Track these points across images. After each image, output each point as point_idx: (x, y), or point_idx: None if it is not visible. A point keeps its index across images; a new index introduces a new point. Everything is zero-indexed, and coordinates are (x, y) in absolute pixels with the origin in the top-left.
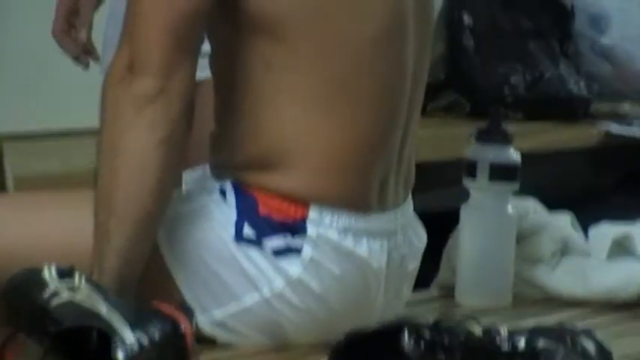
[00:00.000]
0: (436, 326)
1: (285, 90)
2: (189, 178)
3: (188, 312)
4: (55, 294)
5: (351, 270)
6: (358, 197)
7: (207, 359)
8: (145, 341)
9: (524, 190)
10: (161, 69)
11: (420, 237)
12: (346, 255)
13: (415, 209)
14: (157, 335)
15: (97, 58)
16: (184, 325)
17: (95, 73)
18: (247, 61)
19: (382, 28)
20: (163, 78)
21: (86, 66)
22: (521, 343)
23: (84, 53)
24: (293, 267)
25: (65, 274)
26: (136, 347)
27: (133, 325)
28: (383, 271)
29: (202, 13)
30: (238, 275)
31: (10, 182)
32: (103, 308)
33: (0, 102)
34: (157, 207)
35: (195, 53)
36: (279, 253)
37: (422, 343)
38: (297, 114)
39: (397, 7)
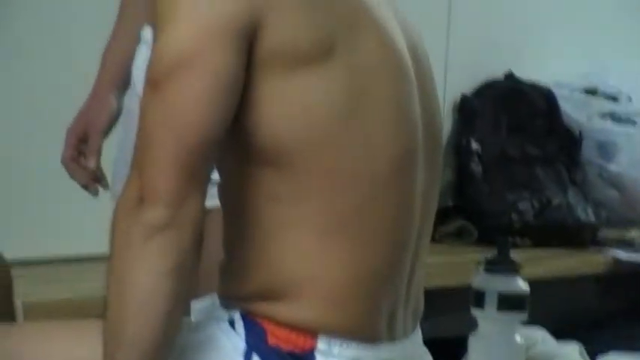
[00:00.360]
0: None
1: (294, 222)
2: (197, 307)
3: None
4: None
5: None
6: (367, 327)
7: None
8: None
9: (533, 317)
10: (171, 199)
11: None
12: None
13: (423, 335)
14: None
15: (106, 186)
16: None
17: (105, 200)
18: (255, 193)
19: (392, 161)
20: (173, 208)
21: (95, 193)
22: None
23: (93, 181)
24: None
25: None
26: None
27: None
28: None
29: (211, 145)
30: None
31: (19, 309)
32: None
33: (10, 228)
34: (167, 338)
35: (204, 183)
36: None
37: None
38: (306, 246)
39: (408, 140)
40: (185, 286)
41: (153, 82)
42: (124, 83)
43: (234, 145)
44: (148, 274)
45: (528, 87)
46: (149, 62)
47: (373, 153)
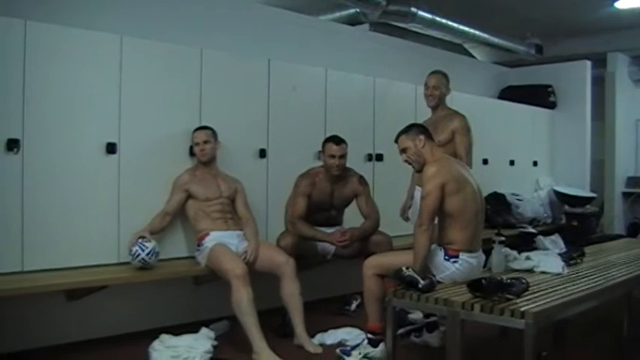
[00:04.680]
0: (489, 277)
1: (454, 224)
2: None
3: None
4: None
5: None
6: (471, 248)
7: None
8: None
9: None
10: (426, 222)
11: None
12: None
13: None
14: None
15: (407, 219)
16: None
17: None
18: (446, 216)
19: (475, 210)
20: (426, 225)
21: (407, 220)
22: (507, 280)
23: (406, 219)
24: None
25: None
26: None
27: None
28: None
29: (435, 212)
30: None
31: None
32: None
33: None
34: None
35: (432, 221)
36: None
37: (485, 281)
38: (456, 230)
39: (477, 205)
40: (429, 242)
41: (424, 196)
42: (412, 196)
43: (443, 210)
44: (423, 241)
45: None
46: (421, 193)
47: (471, 210)
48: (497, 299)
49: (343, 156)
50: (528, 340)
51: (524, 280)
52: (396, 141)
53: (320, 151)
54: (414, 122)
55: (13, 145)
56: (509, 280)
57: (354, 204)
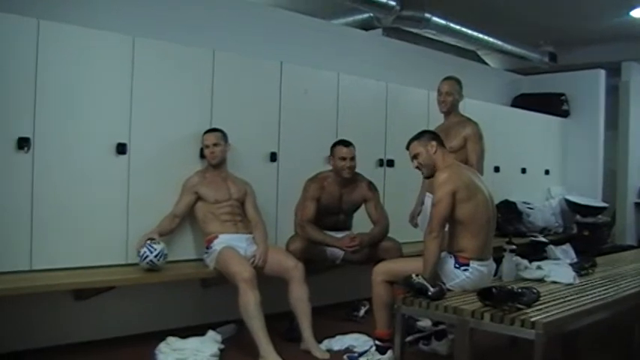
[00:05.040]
0: (499, 286)
1: (465, 232)
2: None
3: None
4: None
5: None
6: (481, 256)
7: None
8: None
9: None
10: (436, 229)
11: None
12: None
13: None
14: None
15: (416, 226)
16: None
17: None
18: (457, 224)
19: (487, 217)
20: (436, 232)
21: (416, 227)
22: (518, 289)
23: (415, 225)
24: None
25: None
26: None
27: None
28: None
29: (445, 219)
30: None
31: None
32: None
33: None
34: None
35: (442, 229)
36: None
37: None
38: (467, 238)
39: (489, 212)
40: (439, 249)
41: (435, 203)
42: (422, 202)
43: (454, 217)
44: (434, 248)
45: None
46: (432, 200)
47: (482, 218)
48: (507, 308)
49: (353, 158)
50: (538, 350)
51: (535, 290)
52: (408, 147)
53: (329, 156)
54: (426, 129)
55: (23, 143)
56: (519, 290)
57: (363, 209)
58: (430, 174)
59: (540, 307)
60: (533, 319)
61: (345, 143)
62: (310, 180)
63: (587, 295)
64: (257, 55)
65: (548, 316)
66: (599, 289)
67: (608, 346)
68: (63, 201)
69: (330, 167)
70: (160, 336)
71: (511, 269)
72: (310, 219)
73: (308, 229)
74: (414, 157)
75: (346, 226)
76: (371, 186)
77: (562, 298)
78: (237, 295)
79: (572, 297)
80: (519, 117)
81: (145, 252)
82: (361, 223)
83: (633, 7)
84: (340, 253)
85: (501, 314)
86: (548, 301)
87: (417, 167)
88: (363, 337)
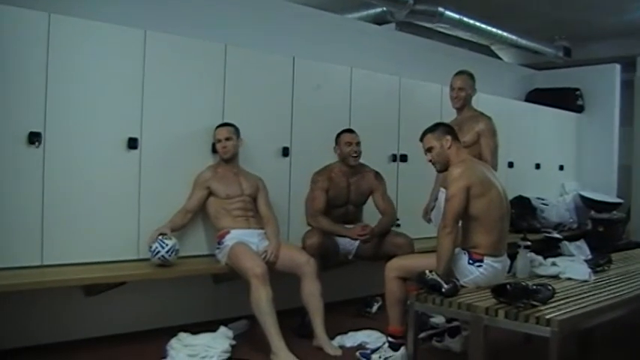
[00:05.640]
0: (514, 283)
1: (479, 228)
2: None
3: None
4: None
5: None
6: (495, 252)
7: None
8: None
9: None
10: (450, 225)
11: None
12: None
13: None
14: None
15: (430, 221)
16: None
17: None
18: (470, 220)
19: (501, 213)
20: (450, 227)
21: (429, 222)
22: (533, 286)
23: (428, 220)
24: None
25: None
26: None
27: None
28: None
29: (460, 214)
30: None
31: None
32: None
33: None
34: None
35: (457, 224)
36: None
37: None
38: (481, 234)
39: (502, 208)
40: (453, 245)
41: (449, 198)
42: (435, 198)
43: (467, 213)
44: (448, 244)
45: None
46: (446, 195)
47: (496, 213)
48: (522, 305)
49: (359, 143)
50: (553, 348)
51: (550, 287)
52: (422, 139)
53: (334, 146)
54: (441, 121)
55: (34, 138)
56: (534, 287)
57: (370, 203)
58: (443, 169)
59: (555, 304)
60: (548, 317)
61: (349, 130)
62: (317, 173)
63: (603, 293)
64: (269, 50)
65: (564, 313)
66: (614, 287)
67: (623, 344)
68: (74, 196)
69: (336, 159)
70: (171, 332)
71: (525, 266)
72: (321, 209)
73: (320, 219)
74: (428, 150)
75: (356, 218)
76: (377, 175)
77: (577, 295)
78: (248, 290)
79: (588, 294)
80: (533, 112)
81: (156, 247)
82: (370, 216)
83: None
84: (352, 247)
85: (516, 311)
86: (563, 298)
87: (431, 160)
88: (376, 334)
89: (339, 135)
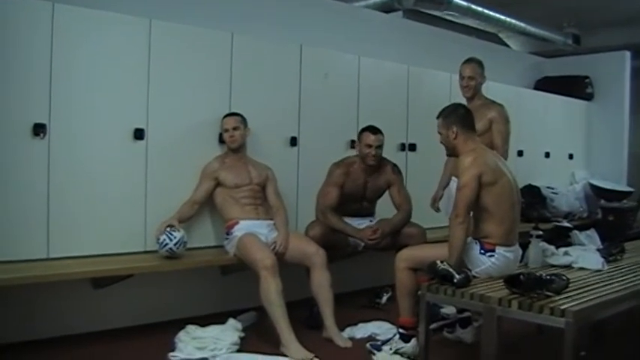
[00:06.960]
0: (527, 273)
1: (491, 218)
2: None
3: None
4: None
5: None
6: (508, 242)
7: None
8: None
9: None
10: (462, 215)
11: None
12: None
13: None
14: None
15: (438, 210)
16: None
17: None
18: (482, 210)
19: (511, 203)
20: (462, 217)
21: (438, 211)
22: (547, 276)
23: (436, 209)
24: None
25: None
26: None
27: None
28: None
29: (472, 203)
30: None
31: None
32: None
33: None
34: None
35: (468, 214)
36: None
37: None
38: (492, 224)
39: (513, 198)
40: (465, 235)
41: (461, 187)
42: (444, 186)
43: (479, 202)
44: (460, 234)
45: None
46: (457, 184)
47: (507, 202)
48: (535, 296)
49: (380, 146)
50: (568, 339)
51: (564, 277)
52: (438, 117)
53: (355, 141)
54: (459, 103)
55: (39, 129)
56: (548, 277)
57: (386, 195)
58: (450, 154)
59: (570, 294)
60: (563, 307)
61: (373, 130)
62: (336, 164)
63: (617, 282)
64: (276, 39)
65: (579, 303)
66: (628, 276)
67: (634, 335)
68: (80, 188)
69: (355, 152)
70: (179, 324)
71: (538, 255)
72: (332, 205)
73: (329, 216)
74: (439, 132)
75: (370, 212)
76: (395, 169)
77: (591, 285)
78: (257, 282)
79: (602, 284)
80: (542, 100)
81: (164, 239)
82: (385, 209)
83: None
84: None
85: (530, 302)
86: (577, 288)
87: (441, 142)
88: (387, 325)
89: (362, 131)
